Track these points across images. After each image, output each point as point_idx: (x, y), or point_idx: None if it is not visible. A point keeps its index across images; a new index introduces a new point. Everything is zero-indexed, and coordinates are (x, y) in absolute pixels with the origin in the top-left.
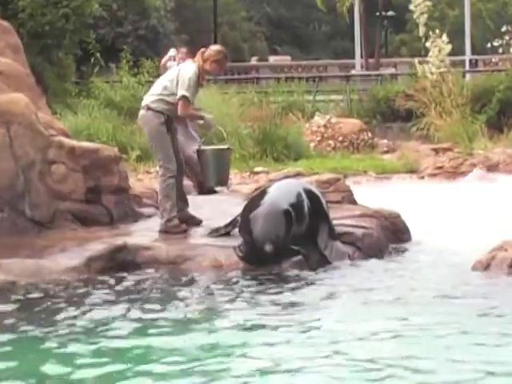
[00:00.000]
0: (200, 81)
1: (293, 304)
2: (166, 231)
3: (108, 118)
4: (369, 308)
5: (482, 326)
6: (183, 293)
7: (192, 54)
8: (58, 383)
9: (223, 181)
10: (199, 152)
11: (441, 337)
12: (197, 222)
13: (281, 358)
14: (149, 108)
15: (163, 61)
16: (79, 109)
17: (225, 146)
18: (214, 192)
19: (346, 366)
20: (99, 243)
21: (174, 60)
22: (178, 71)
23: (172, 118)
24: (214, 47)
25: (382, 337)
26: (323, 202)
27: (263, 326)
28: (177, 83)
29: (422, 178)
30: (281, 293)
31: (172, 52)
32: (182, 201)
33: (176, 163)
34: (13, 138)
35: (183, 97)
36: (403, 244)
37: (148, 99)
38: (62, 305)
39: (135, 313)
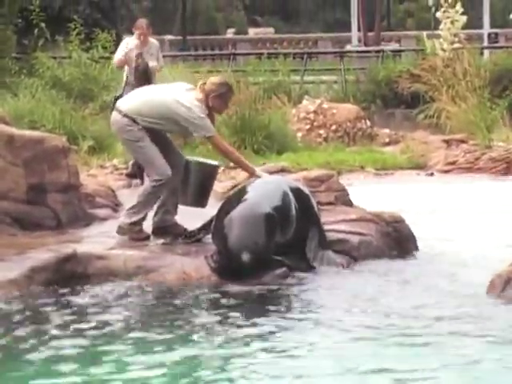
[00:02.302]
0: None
1: (273, 329)
2: (124, 234)
3: (55, 100)
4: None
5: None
6: (142, 314)
7: (154, 25)
8: None
9: (203, 201)
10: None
11: None
12: (179, 231)
13: None
14: (126, 116)
15: (121, 55)
16: (20, 90)
17: (214, 162)
18: None
19: None
20: (43, 251)
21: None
22: (179, 105)
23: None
24: (215, 79)
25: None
26: (313, 203)
27: (236, 355)
28: (182, 118)
29: (431, 175)
30: (259, 314)
31: (130, 41)
32: (172, 204)
33: (170, 167)
34: None
35: (213, 138)
36: (408, 255)
37: (131, 107)
38: None
39: (82, 337)
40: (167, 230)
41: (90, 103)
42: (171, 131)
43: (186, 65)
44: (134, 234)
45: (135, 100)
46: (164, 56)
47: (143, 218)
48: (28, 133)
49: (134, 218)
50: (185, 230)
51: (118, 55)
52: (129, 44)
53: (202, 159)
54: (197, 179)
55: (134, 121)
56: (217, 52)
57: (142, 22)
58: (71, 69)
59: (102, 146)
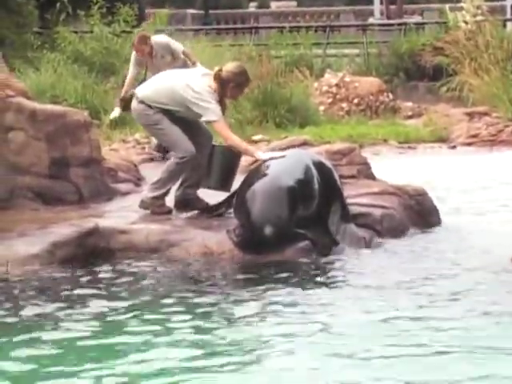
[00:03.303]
0: (222, 108)
1: (296, 303)
2: (146, 207)
3: (77, 75)
4: (391, 322)
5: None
6: (164, 288)
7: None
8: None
9: (227, 185)
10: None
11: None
12: (201, 206)
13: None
14: (142, 101)
15: (135, 69)
16: (42, 64)
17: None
18: None
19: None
20: (66, 226)
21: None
22: (189, 90)
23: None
24: (232, 67)
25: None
26: (335, 176)
27: (253, 329)
28: (191, 102)
29: (454, 147)
30: (282, 287)
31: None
32: (194, 179)
33: (196, 144)
34: None
35: (218, 123)
36: (430, 228)
37: (145, 93)
38: (20, 301)
39: (105, 310)
40: (189, 204)
41: (112, 77)
42: (187, 116)
43: (208, 38)
44: (155, 207)
45: (149, 87)
46: (186, 30)
47: (166, 193)
48: (50, 107)
49: (156, 193)
50: (207, 204)
51: (131, 69)
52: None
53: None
54: (221, 163)
55: (150, 106)
56: (239, 26)
57: (135, 38)
58: (93, 43)
59: (124, 121)
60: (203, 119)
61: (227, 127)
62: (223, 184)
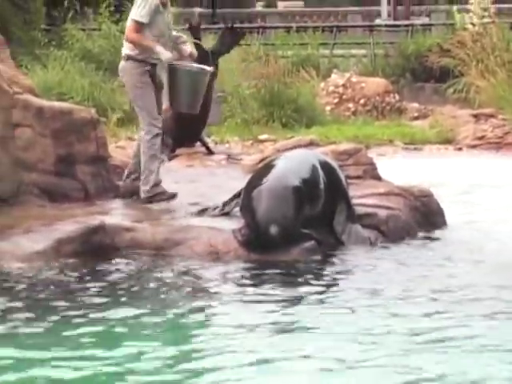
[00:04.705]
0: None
1: (300, 301)
2: (150, 200)
3: (84, 72)
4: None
5: None
6: (171, 287)
7: None
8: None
9: (195, 106)
10: (172, 69)
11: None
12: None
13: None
14: (129, 57)
15: None
16: (50, 61)
17: (202, 67)
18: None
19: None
20: (71, 223)
21: None
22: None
23: (156, 68)
24: None
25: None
26: (341, 177)
27: (265, 328)
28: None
29: (460, 149)
30: (288, 287)
31: None
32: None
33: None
34: None
35: (133, 21)
36: (436, 229)
37: (127, 46)
38: (23, 298)
39: (111, 311)
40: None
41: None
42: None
43: (214, 37)
44: (157, 196)
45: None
46: None
47: (157, 177)
48: (57, 104)
49: (150, 183)
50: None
51: None
52: None
53: (189, 64)
54: (187, 85)
55: (135, 60)
56: (246, 25)
57: None
58: (101, 41)
59: (131, 118)
60: (130, 16)
61: (135, 30)
62: (192, 105)
